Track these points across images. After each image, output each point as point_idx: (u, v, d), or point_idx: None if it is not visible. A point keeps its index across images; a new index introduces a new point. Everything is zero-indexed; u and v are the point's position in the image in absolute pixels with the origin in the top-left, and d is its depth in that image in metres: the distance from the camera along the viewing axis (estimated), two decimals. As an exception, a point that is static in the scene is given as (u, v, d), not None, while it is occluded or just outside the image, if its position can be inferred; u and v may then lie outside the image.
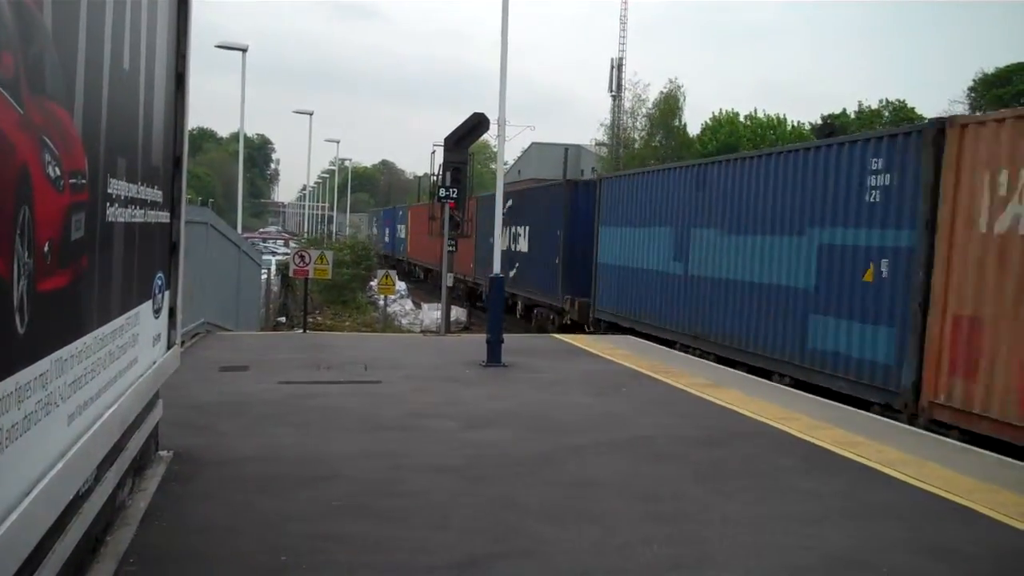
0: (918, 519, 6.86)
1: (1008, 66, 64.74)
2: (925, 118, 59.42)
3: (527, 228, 27.79)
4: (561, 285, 24.51)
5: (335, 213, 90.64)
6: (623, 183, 22.29)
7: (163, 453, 7.89)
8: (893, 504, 7.23)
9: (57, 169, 3.96)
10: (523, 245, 28.21)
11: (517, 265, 26.06)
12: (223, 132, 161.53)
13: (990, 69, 66.50)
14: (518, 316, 28.22)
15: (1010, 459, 8.93)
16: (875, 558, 5.94)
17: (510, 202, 28.29)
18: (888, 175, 12.45)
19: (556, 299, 24.97)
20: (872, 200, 12.68)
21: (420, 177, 68.22)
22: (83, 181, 4.43)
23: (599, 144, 75.22)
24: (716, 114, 70.20)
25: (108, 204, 5.00)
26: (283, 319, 31.58)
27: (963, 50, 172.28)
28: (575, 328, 23.24)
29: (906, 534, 6.46)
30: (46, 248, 3.84)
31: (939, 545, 6.27)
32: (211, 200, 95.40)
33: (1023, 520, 6.80)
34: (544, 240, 24.74)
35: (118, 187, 5.22)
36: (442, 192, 22.02)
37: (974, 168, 10.91)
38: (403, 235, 53.92)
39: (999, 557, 6.14)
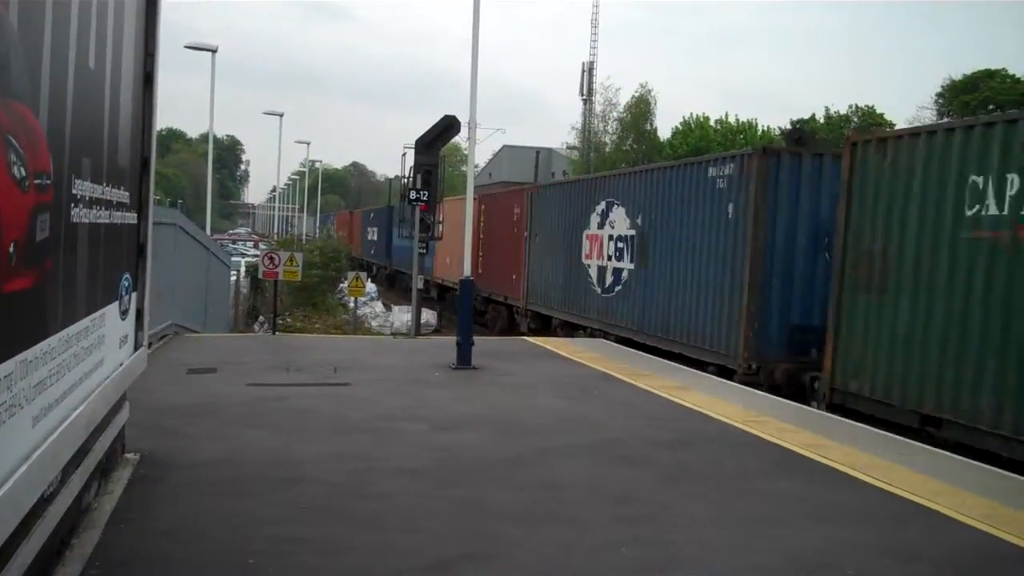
0: (883, 521, 6.92)
1: (975, 73, 65.55)
2: (894, 123, 60.13)
3: (376, 229, 55.08)
4: (387, 258, 50.10)
5: (305, 215, 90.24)
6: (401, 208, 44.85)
7: (130, 455, 7.83)
8: (859, 507, 7.30)
9: (22, 170, 3.92)
10: (374, 236, 55.55)
11: (374, 248, 53.98)
12: (192, 133, 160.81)
13: (958, 76, 67.36)
14: (375, 272, 51.84)
15: (974, 462, 9.03)
16: (840, 560, 5.99)
17: (372, 213, 59.67)
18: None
19: (388, 264, 50.18)
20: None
21: (391, 179, 68.41)
22: (48, 182, 4.40)
23: (570, 147, 75.43)
24: (687, 118, 70.56)
25: (73, 205, 4.95)
26: (260, 320, 31.43)
27: (933, 56, 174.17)
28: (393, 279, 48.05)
29: (871, 536, 6.52)
30: (11, 249, 3.80)
31: (903, 547, 6.33)
32: (180, 201, 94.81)
33: (985, 522, 6.88)
34: (381, 235, 52.43)
35: (83, 188, 5.18)
36: (412, 195, 21.99)
37: (454, 213, 27.27)
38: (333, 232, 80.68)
39: (962, 559, 6.21)
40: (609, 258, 19.87)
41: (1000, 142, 10.36)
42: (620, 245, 19.42)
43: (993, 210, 10.40)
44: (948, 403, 10.76)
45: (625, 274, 19.05)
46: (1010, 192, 10.13)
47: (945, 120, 12.68)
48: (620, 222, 19.53)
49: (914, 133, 12.10)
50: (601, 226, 20.47)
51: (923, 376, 11.21)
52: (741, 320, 14.74)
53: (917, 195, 11.57)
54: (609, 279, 19.82)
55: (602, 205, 20.53)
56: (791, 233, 14.69)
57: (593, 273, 20.71)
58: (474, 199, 26.57)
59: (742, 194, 15.12)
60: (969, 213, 10.70)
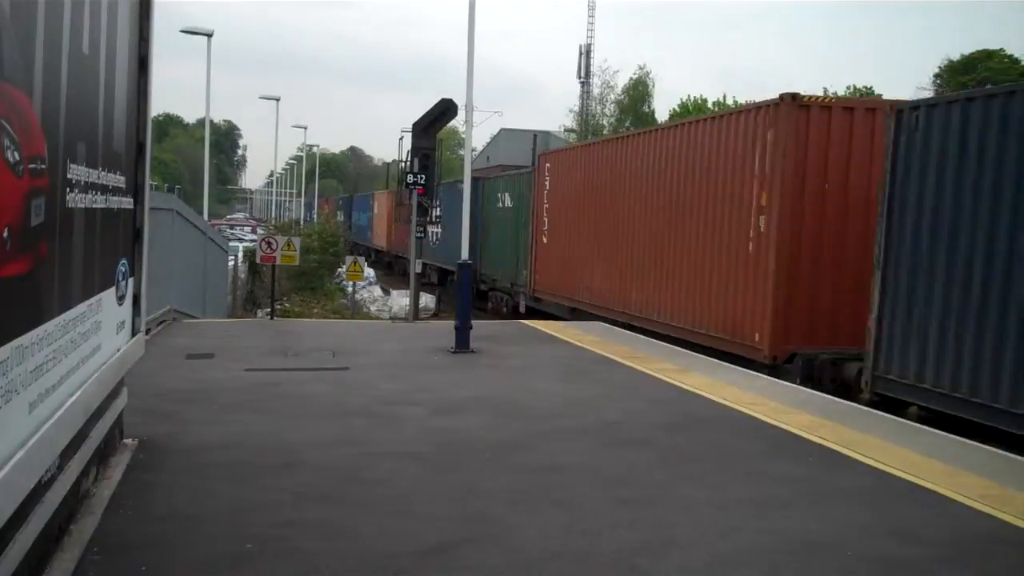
0: (882, 502, 6.93)
1: (973, 53, 65.39)
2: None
3: (342, 212, 69.08)
4: (348, 232, 57.92)
5: (303, 199, 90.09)
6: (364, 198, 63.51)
7: (128, 441, 7.82)
8: (858, 488, 7.31)
9: (16, 154, 3.90)
10: (340, 217, 66.87)
11: (340, 226, 59.32)
12: (189, 118, 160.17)
13: (956, 56, 67.20)
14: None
15: (972, 442, 9.04)
16: (840, 541, 6.00)
17: (340, 200, 75.40)
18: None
19: (348, 237, 56.86)
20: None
21: (389, 163, 68.70)
22: (43, 166, 4.37)
23: (568, 130, 75.31)
24: (684, 100, 70.41)
25: (68, 190, 4.93)
26: (266, 310, 31.44)
27: (932, 35, 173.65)
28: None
29: (870, 517, 6.53)
30: (5, 234, 3.78)
31: (902, 528, 6.34)
32: (178, 186, 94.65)
33: (984, 502, 6.89)
34: (345, 216, 65.34)
35: (78, 172, 5.15)
36: (410, 179, 21.94)
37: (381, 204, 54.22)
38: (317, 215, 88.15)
39: (960, 539, 6.22)
40: (435, 227, 33.95)
41: (504, 183, 29.02)
42: (438, 219, 31.21)
43: (500, 204, 28.86)
44: (506, 278, 27.46)
45: (439, 236, 34.69)
46: (503, 199, 28.57)
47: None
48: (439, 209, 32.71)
49: (491, 177, 31.83)
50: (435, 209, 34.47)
51: (500, 266, 28.02)
52: (478, 252, 28.62)
53: (496, 198, 29.23)
54: (436, 240, 34.86)
55: (435, 200, 34.73)
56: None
57: (431, 237, 34.51)
58: (388, 193, 47.83)
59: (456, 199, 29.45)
60: (498, 205, 28.74)
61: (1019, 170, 9.83)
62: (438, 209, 31.17)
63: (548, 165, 24.25)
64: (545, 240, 23.86)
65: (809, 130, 13.78)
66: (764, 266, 14.06)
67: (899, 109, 11.78)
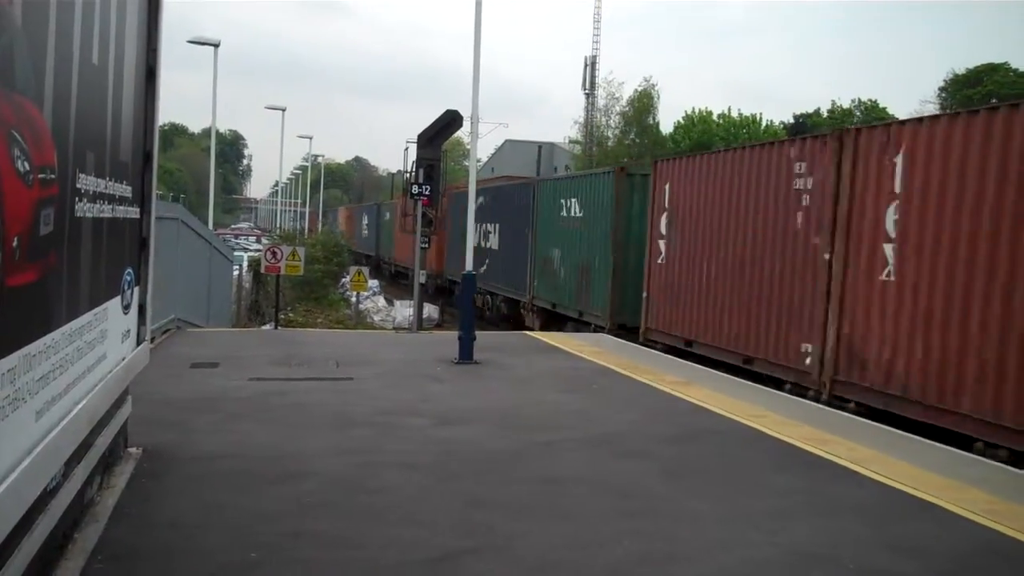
0: (885, 516, 6.94)
1: (978, 67, 65.52)
2: (896, 116, 59.97)
3: (332, 214, 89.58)
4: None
5: (307, 209, 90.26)
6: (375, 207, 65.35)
7: (132, 450, 7.84)
8: (860, 501, 7.31)
9: (26, 164, 3.93)
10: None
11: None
12: (195, 128, 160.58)
13: (961, 70, 67.31)
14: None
15: (977, 456, 9.04)
16: (841, 554, 6.01)
17: (319, 211, 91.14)
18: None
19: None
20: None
21: (393, 174, 69.15)
22: (52, 176, 4.40)
23: (573, 142, 75.38)
24: (689, 112, 70.50)
25: (77, 199, 4.96)
26: (270, 325, 31.50)
27: (936, 50, 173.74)
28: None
29: (873, 531, 6.53)
30: (15, 243, 3.81)
31: (905, 542, 6.34)
32: (183, 196, 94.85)
33: (988, 517, 6.89)
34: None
35: (87, 182, 5.18)
36: (415, 189, 22.00)
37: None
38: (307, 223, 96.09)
39: (963, 554, 6.22)
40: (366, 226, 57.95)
41: (368, 209, 63.35)
42: (367, 223, 50.03)
43: (385, 218, 51.85)
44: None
45: (378, 232, 51.90)
46: (385, 214, 52.55)
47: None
48: (363, 221, 54.26)
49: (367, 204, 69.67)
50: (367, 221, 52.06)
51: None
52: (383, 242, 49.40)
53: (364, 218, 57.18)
54: (367, 235, 53.97)
55: (373, 210, 53.83)
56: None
57: (369, 234, 52.09)
58: (345, 207, 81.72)
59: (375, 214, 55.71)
60: (385, 218, 52.68)
61: (511, 215, 27.57)
62: (366, 226, 47.33)
63: (395, 203, 37.16)
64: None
65: (456, 201, 30.56)
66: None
67: (453, 193, 31.31)
